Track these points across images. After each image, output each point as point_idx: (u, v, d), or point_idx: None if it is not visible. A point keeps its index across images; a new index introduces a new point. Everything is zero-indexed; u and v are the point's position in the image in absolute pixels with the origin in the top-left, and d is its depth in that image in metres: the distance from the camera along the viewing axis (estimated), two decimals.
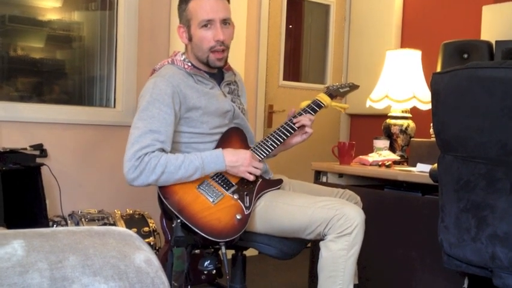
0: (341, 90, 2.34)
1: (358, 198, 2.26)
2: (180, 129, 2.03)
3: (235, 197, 1.96)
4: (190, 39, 2.07)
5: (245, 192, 1.99)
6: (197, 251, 2.78)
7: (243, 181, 2.02)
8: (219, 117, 2.08)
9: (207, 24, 2.01)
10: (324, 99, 2.22)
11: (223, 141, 2.09)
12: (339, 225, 1.88)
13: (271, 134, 2.12)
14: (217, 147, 2.07)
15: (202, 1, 2.02)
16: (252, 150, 2.08)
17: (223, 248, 1.88)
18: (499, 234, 1.66)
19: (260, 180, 2.07)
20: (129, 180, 1.88)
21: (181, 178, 1.90)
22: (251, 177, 2.00)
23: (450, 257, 1.85)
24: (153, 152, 1.87)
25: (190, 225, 1.86)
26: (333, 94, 2.28)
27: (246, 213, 1.94)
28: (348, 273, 1.91)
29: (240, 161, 1.96)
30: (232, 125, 2.15)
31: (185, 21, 2.07)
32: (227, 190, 1.97)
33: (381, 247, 2.64)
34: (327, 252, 1.91)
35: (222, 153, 1.96)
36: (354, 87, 2.42)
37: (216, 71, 2.17)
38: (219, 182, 1.99)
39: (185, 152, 2.03)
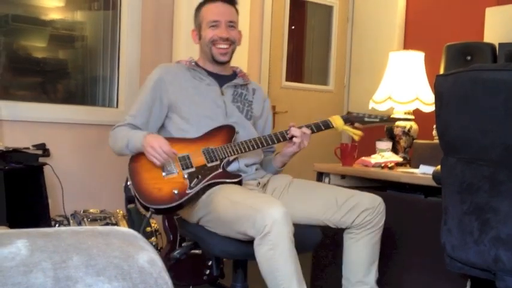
0: (366, 119, 2.29)
1: (378, 201, 2.15)
2: (171, 116, 2.25)
3: (186, 176, 2.10)
4: (200, 38, 2.32)
5: (198, 176, 2.11)
6: (198, 251, 2.79)
7: (204, 167, 2.13)
8: (208, 109, 2.25)
9: (214, 24, 2.27)
10: (336, 121, 2.26)
11: (208, 133, 2.22)
12: (258, 225, 1.81)
13: (261, 137, 2.21)
14: (203, 136, 2.21)
15: (212, 6, 2.30)
16: (230, 144, 2.17)
17: (149, 213, 2.08)
18: (502, 237, 1.66)
19: (220, 170, 2.15)
20: None
21: (121, 148, 2.17)
22: (156, 161, 2.06)
23: (453, 260, 1.85)
24: (120, 126, 2.22)
25: (133, 188, 2.09)
26: (350, 119, 2.28)
27: (186, 191, 2.06)
28: (285, 272, 1.83)
29: (148, 144, 2.06)
30: (227, 123, 2.25)
31: (197, 24, 2.34)
32: (183, 170, 2.12)
33: (382, 249, 2.63)
34: (258, 255, 1.85)
35: (143, 136, 2.10)
36: (388, 121, 2.42)
37: (225, 73, 2.36)
38: (182, 161, 2.13)
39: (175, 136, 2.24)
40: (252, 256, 1.88)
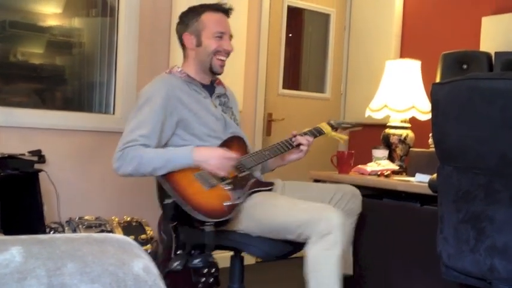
0: (343, 125, 2.56)
1: (358, 191, 2.42)
2: (178, 133, 2.20)
3: (227, 188, 2.11)
4: (198, 45, 2.29)
5: (237, 186, 2.14)
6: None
7: (236, 178, 2.17)
8: (212, 123, 2.26)
9: (219, 35, 2.28)
10: (325, 127, 2.45)
11: (223, 145, 2.25)
12: (318, 226, 1.97)
13: (270, 146, 2.32)
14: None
15: (215, 16, 2.30)
16: (247, 156, 2.26)
17: (207, 227, 2.00)
18: (497, 246, 1.66)
19: (253, 179, 2.23)
20: (114, 170, 2.11)
21: (154, 170, 2.07)
22: (221, 173, 2.11)
23: (449, 268, 1.85)
24: (134, 146, 2.07)
25: (181, 202, 2.01)
26: (334, 126, 2.49)
27: (234, 202, 2.08)
28: (333, 271, 1.97)
29: (205, 158, 2.09)
30: (230, 134, 2.32)
31: (195, 30, 2.29)
32: (221, 181, 2.12)
33: (378, 257, 2.63)
34: (311, 252, 1.99)
35: (192, 150, 2.10)
36: (356, 125, 2.66)
37: (209, 83, 2.39)
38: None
39: None
40: (286, 255, 2.14)
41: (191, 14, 2.33)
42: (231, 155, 2.12)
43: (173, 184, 2.07)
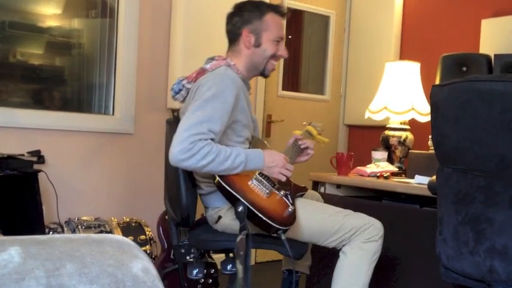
0: (317, 128, 2.59)
1: (320, 197, 2.52)
2: (228, 132, 2.10)
3: (281, 193, 2.10)
4: (257, 45, 2.19)
5: (287, 192, 2.13)
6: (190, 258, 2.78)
7: (280, 183, 2.14)
8: (250, 126, 2.22)
9: (279, 40, 2.21)
10: (313, 130, 2.50)
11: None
12: (367, 232, 2.11)
13: (286, 151, 2.32)
14: None
15: (278, 19, 2.22)
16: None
17: (282, 235, 1.99)
18: (497, 248, 1.66)
19: (292, 183, 2.24)
20: (177, 161, 1.91)
21: (226, 169, 1.97)
22: (283, 178, 2.12)
23: (448, 270, 1.84)
24: (206, 140, 1.93)
25: (257, 209, 1.98)
26: (317, 129, 2.55)
27: (293, 208, 2.08)
28: (368, 276, 2.11)
29: (275, 162, 2.09)
30: (258, 138, 2.35)
31: (256, 29, 2.18)
32: (273, 187, 2.10)
33: (377, 259, 2.62)
34: (354, 253, 2.11)
35: (263, 153, 2.08)
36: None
37: None
38: (265, 180, 2.10)
39: None
40: None
41: (255, 11, 2.19)
42: (288, 160, 2.16)
43: (241, 190, 1.99)
